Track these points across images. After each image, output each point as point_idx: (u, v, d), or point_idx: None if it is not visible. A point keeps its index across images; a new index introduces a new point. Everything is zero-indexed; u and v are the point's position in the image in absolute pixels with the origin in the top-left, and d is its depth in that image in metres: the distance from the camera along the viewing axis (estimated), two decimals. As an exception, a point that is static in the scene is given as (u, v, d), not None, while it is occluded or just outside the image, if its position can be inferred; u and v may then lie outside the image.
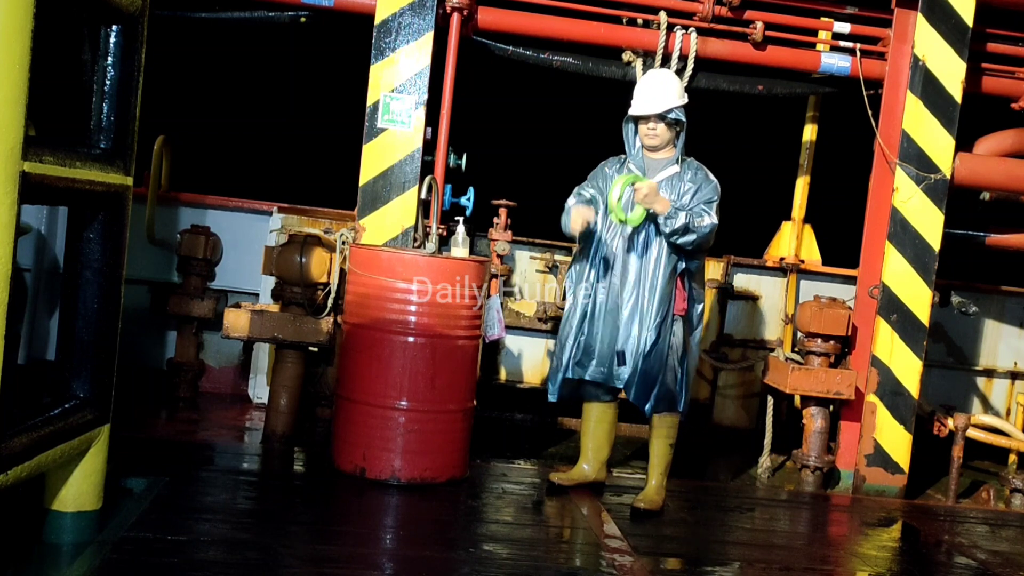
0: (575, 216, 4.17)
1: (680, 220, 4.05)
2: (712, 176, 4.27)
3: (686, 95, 4.31)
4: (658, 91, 4.22)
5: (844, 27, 5.46)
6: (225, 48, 6.97)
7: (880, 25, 5.43)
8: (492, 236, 5.82)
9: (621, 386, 4.27)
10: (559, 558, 3.61)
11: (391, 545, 3.65)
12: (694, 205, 4.15)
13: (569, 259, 6.17)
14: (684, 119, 4.25)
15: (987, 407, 6.89)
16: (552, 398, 4.43)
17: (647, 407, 4.26)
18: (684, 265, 4.24)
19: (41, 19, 2.48)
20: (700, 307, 4.39)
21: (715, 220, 4.13)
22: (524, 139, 7.65)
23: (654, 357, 4.18)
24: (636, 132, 4.34)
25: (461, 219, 4.70)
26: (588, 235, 4.30)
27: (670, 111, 4.21)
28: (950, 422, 5.50)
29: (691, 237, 4.09)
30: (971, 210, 5.77)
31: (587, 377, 4.32)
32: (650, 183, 4.09)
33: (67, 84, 3.26)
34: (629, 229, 4.21)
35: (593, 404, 4.48)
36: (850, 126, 5.74)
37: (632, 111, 4.27)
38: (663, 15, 5.31)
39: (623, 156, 4.41)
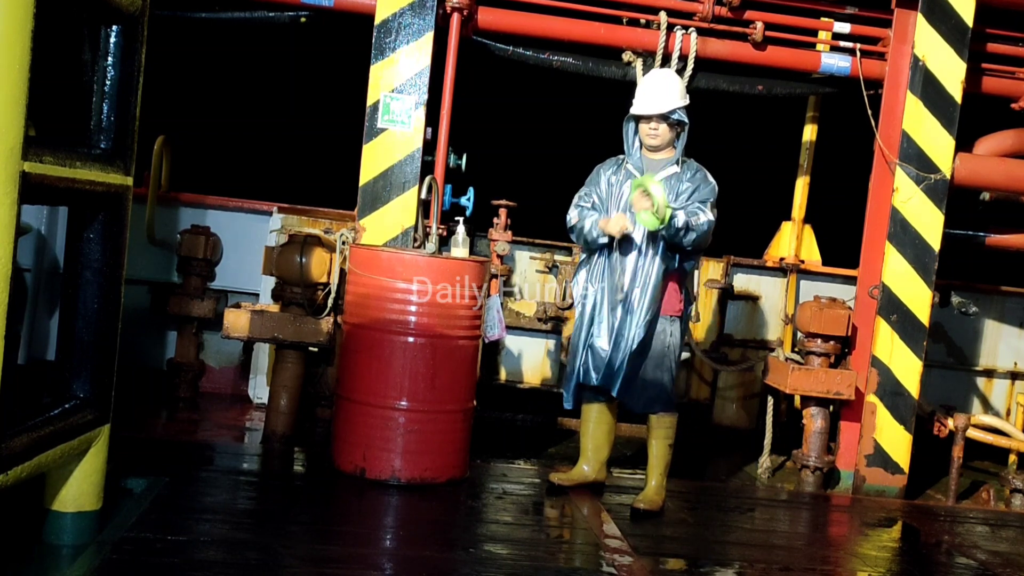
0: (616, 222, 4.13)
1: (680, 219, 4.05)
2: (711, 178, 4.26)
3: (687, 96, 4.31)
4: (661, 91, 4.21)
5: (844, 27, 5.46)
6: (225, 48, 6.97)
7: (880, 25, 5.43)
8: (492, 236, 5.82)
9: (612, 387, 4.25)
10: (559, 558, 3.61)
11: (391, 545, 3.65)
12: (689, 204, 4.15)
13: (569, 259, 6.19)
14: (687, 120, 4.24)
15: (987, 407, 6.89)
16: (568, 405, 4.42)
17: (639, 407, 4.29)
18: (678, 265, 4.25)
19: (41, 19, 2.48)
20: (692, 307, 4.44)
21: (711, 217, 4.13)
22: (524, 139, 7.65)
23: (643, 357, 4.19)
24: (636, 132, 4.34)
25: (461, 219, 4.70)
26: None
27: (673, 112, 4.21)
28: (950, 422, 5.50)
29: (691, 236, 4.09)
30: (971, 210, 5.77)
31: (596, 383, 4.30)
32: (654, 181, 4.07)
33: (67, 84, 3.26)
34: (633, 229, 4.19)
35: (592, 404, 4.47)
36: (850, 126, 5.74)
37: (634, 110, 4.26)
38: (663, 15, 5.31)
39: (620, 157, 4.39)
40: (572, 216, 4.32)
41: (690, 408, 6.22)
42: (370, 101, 5.01)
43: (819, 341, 5.20)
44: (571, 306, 6.11)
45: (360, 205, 5.03)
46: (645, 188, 4.00)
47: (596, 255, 4.33)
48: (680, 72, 5.29)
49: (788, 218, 6.59)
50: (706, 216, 4.11)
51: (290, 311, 4.92)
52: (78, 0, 2.91)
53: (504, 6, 5.29)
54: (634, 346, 4.16)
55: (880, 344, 5.20)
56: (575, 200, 4.37)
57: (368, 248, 4.48)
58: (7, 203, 2.43)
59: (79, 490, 3.16)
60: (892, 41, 5.29)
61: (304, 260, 4.88)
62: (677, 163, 4.26)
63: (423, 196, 4.73)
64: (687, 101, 4.27)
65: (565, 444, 5.83)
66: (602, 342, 4.25)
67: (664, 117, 4.21)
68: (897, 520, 4.78)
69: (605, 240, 4.23)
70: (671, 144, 4.29)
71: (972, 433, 5.52)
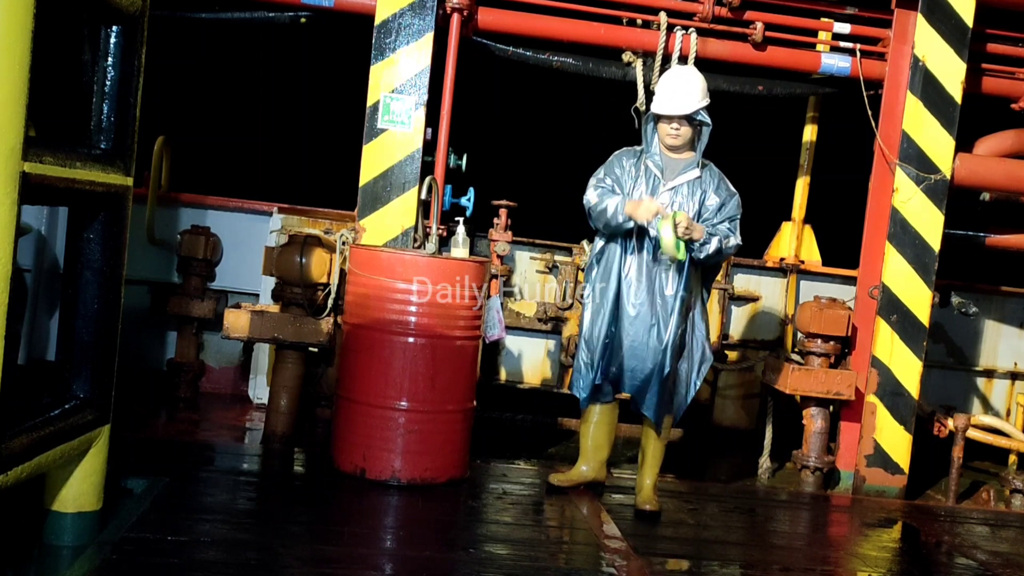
0: (647, 207, 4.00)
1: (713, 245, 4.05)
2: (732, 187, 4.23)
3: (708, 95, 4.19)
4: (684, 90, 4.10)
5: (844, 27, 5.47)
6: (225, 48, 6.97)
7: (880, 25, 5.43)
8: (492, 236, 5.82)
9: (641, 399, 4.23)
10: (559, 559, 3.61)
11: (391, 545, 3.65)
12: (720, 222, 4.13)
13: (569, 259, 6.18)
14: (709, 121, 4.15)
15: (987, 407, 6.88)
16: (583, 396, 4.36)
17: (657, 413, 4.28)
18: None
19: (41, 19, 2.48)
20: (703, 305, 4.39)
21: (740, 240, 4.16)
22: (524, 139, 7.65)
23: (674, 361, 4.19)
24: (655, 129, 4.22)
25: (461, 219, 4.70)
26: (613, 238, 4.24)
27: (697, 112, 4.12)
28: (950, 422, 5.50)
29: (720, 258, 4.18)
30: (971, 210, 5.78)
31: (624, 390, 4.29)
32: (686, 215, 4.00)
33: (67, 84, 3.26)
34: (652, 234, 4.09)
35: (595, 405, 4.44)
36: (850, 126, 5.74)
37: (657, 109, 4.13)
38: (663, 15, 5.31)
39: (637, 149, 4.28)
40: (591, 197, 4.18)
41: (690, 408, 6.19)
42: (370, 101, 5.01)
43: (819, 341, 5.20)
44: (571, 306, 6.11)
45: (360, 205, 5.03)
46: (674, 225, 3.93)
47: (610, 250, 4.24)
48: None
49: (788, 218, 6.59)
50: (735, 240, 4.13)
51: (290, 311, 4.92)
52: (78, 0, 2.91)
53: (504, 6, 5.29)
54: (670, 359, 4.15)
55: (880, 344, 5.20)
56: (593, 182, 4.23)
57: (368, 248, 4.48)
58: (7, 203, 2.44)
59: (79, 490, 3.16)
60: (892, 41, 5.29)
61: (304, 260, 4.88)
62: (698, 166, 4.20)
63: (423, 196, 4.73)
64: (708, 100, 4.16)
65: (565, 444, 5.83)
66: (627, 349, 4.20)
67: (688, 118, 4.12)
68: (897, 520, 4.78)
69: (630, 225, 4.10)
70: (691, 144, 4.21)
71: (972, 433, 5.52)
